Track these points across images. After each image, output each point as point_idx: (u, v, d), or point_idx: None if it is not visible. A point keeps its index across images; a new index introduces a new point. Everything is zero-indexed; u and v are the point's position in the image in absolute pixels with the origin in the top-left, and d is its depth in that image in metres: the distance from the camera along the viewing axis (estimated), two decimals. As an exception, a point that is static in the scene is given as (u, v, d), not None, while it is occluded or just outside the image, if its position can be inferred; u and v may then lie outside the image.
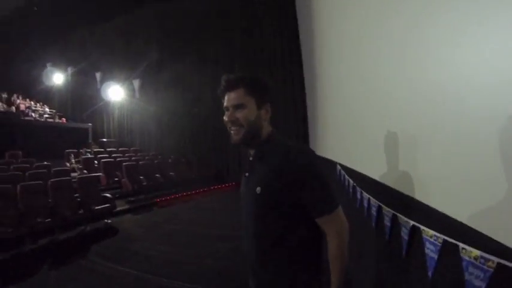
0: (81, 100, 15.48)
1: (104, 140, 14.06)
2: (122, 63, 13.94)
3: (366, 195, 2.58)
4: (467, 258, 1.12)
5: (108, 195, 7.02)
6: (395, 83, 2.03)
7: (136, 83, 13.43)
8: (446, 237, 1.29)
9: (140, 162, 9.96)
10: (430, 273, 1.40)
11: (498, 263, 0.98)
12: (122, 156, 10.78)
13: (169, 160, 11.09)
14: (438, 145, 1.48)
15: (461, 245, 1.17)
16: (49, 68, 16.31)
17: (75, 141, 12.32)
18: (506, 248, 0.97)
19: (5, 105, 13.20)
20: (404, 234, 1.71)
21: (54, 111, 15.56)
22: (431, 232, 1.41)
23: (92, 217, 6.13)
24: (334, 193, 1.26)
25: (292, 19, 9.77)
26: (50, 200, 5.88)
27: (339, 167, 4.23)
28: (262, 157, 1.30)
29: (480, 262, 1.05)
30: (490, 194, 1.08)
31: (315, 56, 6.65)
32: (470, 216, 1.21)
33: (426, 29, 1.56)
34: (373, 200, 2.35)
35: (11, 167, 7.69)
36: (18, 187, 5.62)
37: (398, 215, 1.83)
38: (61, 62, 16.08)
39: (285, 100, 9.79)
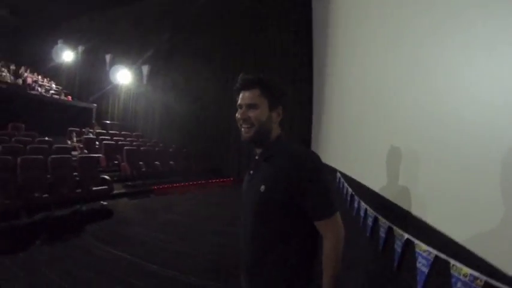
0: (88, 80, 15.49)
1: (107, 122, 14.08)
2: (132, 47, 13.97)
3: (363, 204, 2.62)
4: (457, 274, 1.17)
5: (106, 177, 7.09)
6: (402, 98, 2.06)
7: (145, 68, 13.45)
8: (438, 253, 1.33)
9: (141, 148, 10.03)
10: (420, 287, 1.44)
11: (486, 282, 1.02)
12: (124, 140, 10.82)
13: (170, 150, 11.13)
14: (439, 162, 1.51)
15: (452, 261, 1.21)
16: (60, 44, 16.34)
17: (79, 120, 12.32)
18: (496, 269, 1.01)
19: (12, 77, 13.20)
20: (398, 246, 1.75)
21: (60, 88, 15.58)
22: (425, 247, 1.45)
23: (89, 197, 6.20)
24: (334, 198, 1.29)
25: (306, 21, 9.79)
26: (48, 176, 5.94)
27: (338, 174, 4.27)
28: (269, 157, 1.33)
29: (469, 280, 1.10)
30: (487, 216, 1.11)
31: (326, 62, 6.68)
32: (465, 235, 1.24)
33: (435, 47, 1.59)
34: (370, 210, 2.39)
35: (13, 139, 7.71)
36: (19, 159, 5.68)
37: (394, 227, 1.87)
38: (72, 39, 16.11)
39: (292, 101, 9.81)
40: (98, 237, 4.55)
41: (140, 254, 4.01)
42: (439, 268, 1.34)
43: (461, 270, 1.17)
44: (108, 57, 14.67)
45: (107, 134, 11.58)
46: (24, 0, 14.48)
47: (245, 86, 1.34)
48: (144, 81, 13.53)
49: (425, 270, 1.42)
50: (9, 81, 12.68)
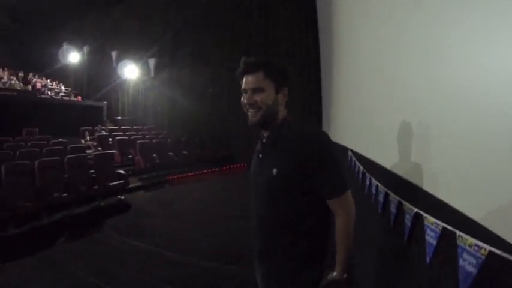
0: (96, 78, 15.65)
1: (119, 118, 14.26)
2: (137, 42, 13.95)
3: (374, 181, 2.61)
4: (462, 245, 1.16)
5: (122, 171, 7.23)
6: (415, 73, 2.01)
7: (151, 62, 13.46)
8: (445, 225, 1.33)
9: (154, 141, 10.14)
10: (428, 259, 1.44)
11: (490, 251, 1.02)
12: (136, 134, 10.97)
13: (183, 139, 11.22)
14: (452, 138, 1.49)
15: (458, 232, 1.21)
16: (65, 46, 16.46)
17: (90, 119, 12.50)
18: (504, 241, 1.00)
19: (21, 84, 13.46)
20: (408, 221, 1.75)
21: (69, 89, 15.81)
22: (433, 220, 1.45)
23: (106, 193, 6.34)
24: (345, 177, 1.30)
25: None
26: (66, 176, 6.09)
27: (350, 153, 4.25)
28: (278, 140, 1.33)
29: (474, 249, 1.09)
30: (498, 191, 1.10)
31: (333, 38, 6.51)
32: (477, 211, 1.23)
33: (451, 24, 1.53)
34: (380, 187, 2.38)
35: (28, 144, 7.90)
36: (36, 163, 5.82)
37: (404, 202, 1.87)
38: (77, 40, 16.21)
39: (301, 81, 9.67)
40: (117, 230, 4.69)
41: (158, 243, 4.13)
42: (447, 240, 1.33)
43: (466, 240, 1.17)
44: (114, 53, 14.72)
45: (119, 129, 11.74)
46: (24, 5, 14.54)
47: (248, 70, 1.33)
48: (152, 75, 13.56)
49: (434, 242, 1.42)
50: (19, 88, 12.98)
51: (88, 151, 8.49)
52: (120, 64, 14.03)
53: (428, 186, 1.67)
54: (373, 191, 2.62)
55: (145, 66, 13.74)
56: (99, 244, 4.25)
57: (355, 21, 4.03)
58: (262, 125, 1.36)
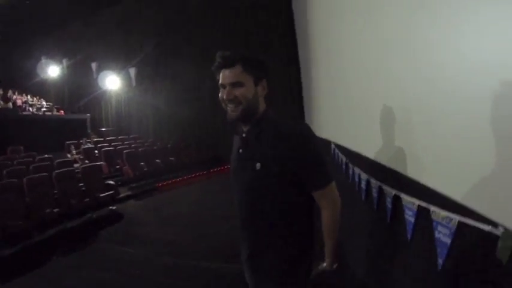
0: (77, 91, 15.46)
1: (103, 129, 14.16)
2: (117, 52, 13.87)
3: (357, 170, 2.71)
4: (436, 219, 1.28)
5: (111, 182, 7.22)
6: (393, 56, 1.99)
7: (132, 71, 13.40)
8: (420, 202, 1.44)
9: (140, 149, 10.13)
10: (409, 236, 1.56)
11: (459, 221, 1.13)
12: (122, 144, 10.88)
13: (168, 145, 11.22)
14: (432, 122, 1.50)
15: (432, 207, 1.32)
16: (44, 60, 16.20)
17: (75, 132, 12.36)
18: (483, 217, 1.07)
19: (1, 102, 13.22)
20: (389, 203, 1.86)
21: (51, 104, 15.59)
22: (409, 199, 1.56)
23: (97, 204, 6.33)
24: (329, 168, 1.31)
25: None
26: (55, 191, 6.06)
27: (333, 145, 4.34)
28: (259, 133, 1.31)
29: (446, 222, 1.21)
30: (480, 172, 1.14)
31: (311, 30, 6.44)
32: (460, 193, 1.26)
33: (433, 6, 1.46)
34: (363, 175, 2.49)
35: (14, 162, 7.81)
36: (25, 180, 5.78)
37: (383, 186, 1.98)
38: (56, 54, 15.97)
39: (280, 80, 9.74)
40: (112, 240, 4.69)
41: (154, 249, 4.16)
42: (423, 216, 1.44)
43: (439, 214, 1.28)
44: (94, 65, 14.56)
45: (105, 141, 11.65)
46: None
47: (226, 64, 1.28)
48: (134, 84, 13.49)
49: (412, 219, 1.53)
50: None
51: (75, 165, 8.43)
52: (101, 75, 13.91)
53: (410, 171, 1.75)
54: (356, 179, 2.72)
55: (126, 76, 13.66)
56: (95, 256, 4.25)
57: (334, 11, 3.90)
58: (242, 120, 1.33)
